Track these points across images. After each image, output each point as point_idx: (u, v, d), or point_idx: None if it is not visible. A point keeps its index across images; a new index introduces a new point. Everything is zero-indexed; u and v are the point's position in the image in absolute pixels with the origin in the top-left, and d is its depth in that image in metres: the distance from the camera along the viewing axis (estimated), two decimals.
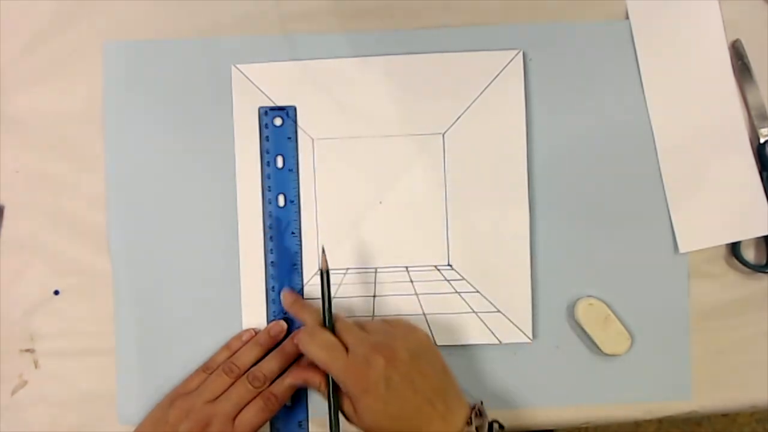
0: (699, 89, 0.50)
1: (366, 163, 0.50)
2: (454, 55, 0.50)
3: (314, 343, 0.44)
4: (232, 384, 0.46)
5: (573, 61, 0.50)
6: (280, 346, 0.48)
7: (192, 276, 0.50)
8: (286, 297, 0.49)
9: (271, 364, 0.47)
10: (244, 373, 0.46)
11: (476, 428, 0.41)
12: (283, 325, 0.49)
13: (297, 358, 0.48)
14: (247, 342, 0.48)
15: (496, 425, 0.43)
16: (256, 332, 0.49)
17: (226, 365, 0.47)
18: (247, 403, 0.46)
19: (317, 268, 0.50)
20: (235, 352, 0.48)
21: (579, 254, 0.50)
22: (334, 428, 0.44)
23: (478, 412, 0.42)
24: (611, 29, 0.50)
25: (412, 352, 0.43)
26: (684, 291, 0.50)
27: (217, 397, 0.45)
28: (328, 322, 0.45)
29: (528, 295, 0.49)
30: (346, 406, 0.43)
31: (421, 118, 0.50)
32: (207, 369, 0.48)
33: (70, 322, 0.50)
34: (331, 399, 0.44)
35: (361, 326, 0.45)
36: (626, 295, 0.50)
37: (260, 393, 0.46)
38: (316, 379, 0.45)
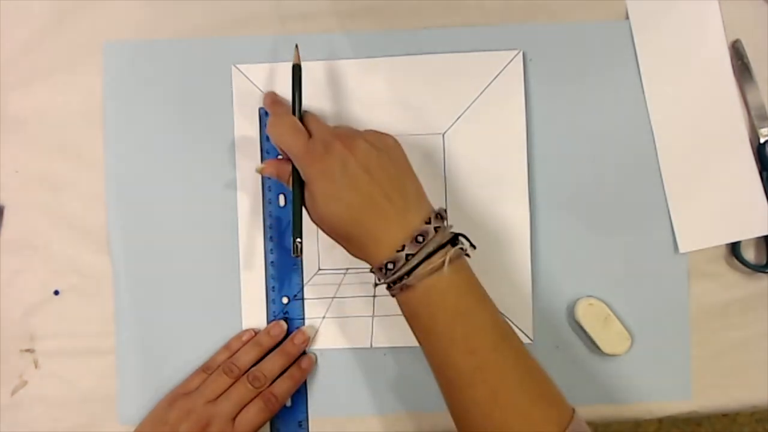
0: (699, 89, 0.50)
1: None
2: (454, 55, 0.50)
3: (280, 125, 0.43)
4: (232, 384, 0.46)
5: (573, 61, 0.50)
6: (281, 347, 0.48)
7: (192, 276, 0.50)
8: (266, 97, 0.48)
9: (271, 364, 0.47)
10: (244, 374, 0.47)
11: (435, 228, 0.39)
12: (283, 325, 0.49)
13: (297, 358, 0.48)
14: (247, 342, 0.48)
15: (462, 238, 0.40)
16: (256, 332, 0.49)
17: (226, 365, 0.47)
18: (248, 404, 0.46)
19: (317, 268, 0.50)
20: (235, 352, 0.48)
21: (579, 254, 0.50)
22: (296, 219, 0.42)
23: (440, 215, 0.40)
24: (611, 29, 0.50)
25: (373, 145, 0.41)
26: (684, 291, 0.50)
27: (218, 397, 0.45)
28: (297, 112, 0.45)
29: (528, 295, 0.49)
30: (305, 195, 0.42)
31: (421, 118, 0.50)
32: (207, 369, 0.48)
33: (70, 322, 0.50)
34: (296, 188, 0.43)
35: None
36: (626, 295, 0.50)
37: (260, 393, 0.46)
38: (285, 170, 0.44)
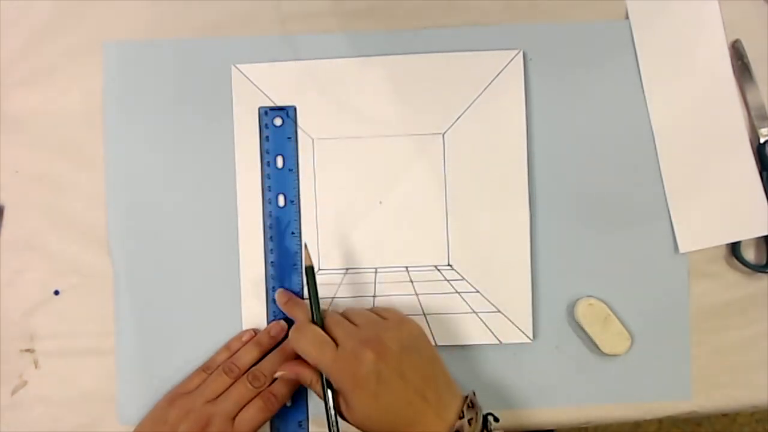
0: (699, 89, 0.50)
1: (366, 163, 0.50)
2: (454, 55, 0.50)
3: (303, 339, 0.44)
4: (232, 384, 0.46)
5: (573, 61, 0.50)
6: (280, 346, 0.48)
7: (192, 276, 0.50)
8: (280, 296, 0.49)
9: (270, 364, 0.47)
10: (244, 373, 0.46)
11: (468, 421, 0.41)
12: (283, 325, 0.49)
13: (297, 358, 0.48)
14: (247, 342, 0.48)
15: (490, 417, 0.42)
16: (256, 332, 0.49)
17: (226, 365, 0.47)
18: (247, 403, 0.46)
19: (317, 268, 0.50)
20: (235, 352, 0.48)
21: (579, 254, 0.50)
22: (333, 427, 0.44)
23: (470, 403, 0.42)
24: (611, 29, 0.50)
25: (402, 344, 0.42)
26: (684, 291, 0.50)
27: (217, 397, 0.45)
28: (317, 317, 0.45)
29: (528, 295, 0.49)
30: (339, 401, 0.43)
31: (421, 118, 0.50)
32: (207, 369, 0.48)
33: (70, 322, 0.50)
34: (327, 396, 0.44)
35: (350, 319, 0.45)
36: (626, 295, 0.50)
37: (260, 393, 0.46)
38: (307, 374, 0.45)
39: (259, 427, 0.46)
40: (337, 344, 0.43)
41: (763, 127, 0.49)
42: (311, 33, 0.50)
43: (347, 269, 0.50)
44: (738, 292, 0.50)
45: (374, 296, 0.50)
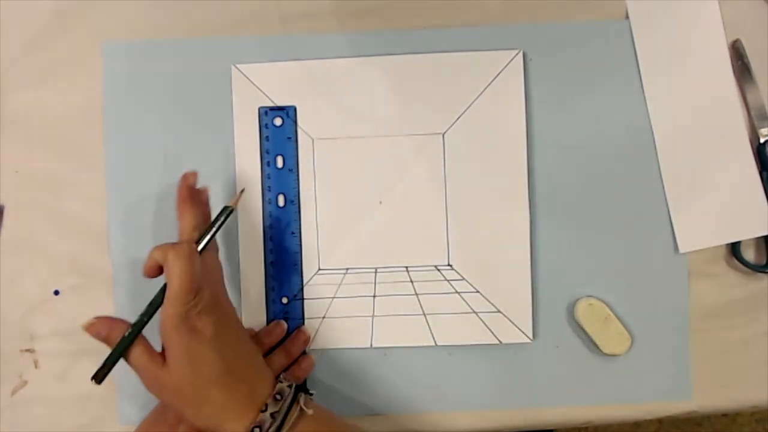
0: (699, 89, 0.50)
1: (366, 163, 0.50)
2: (454, 55, 0.50)
3: (182, 261, 0.40)
4: None
5: (573, 61, 0.50)
6: (281, 347, 0.48)
7: None
8: (182, 187, 0.45)
9: (271, 364, 0.47)
10: None
11: (288, 386, 0.41)
12: (284, 325, 0.49)
13: (297, 359, 0.48)
14: None
15: (302, 396, 0.41)
16: (257, 332, 0.49)
17: None
18: None
19: (317, 268, 0.50)
20: None
21: (579, 254, 0.50)
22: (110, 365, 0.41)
23: (277, 378, 0.41)
24: (611, 29, 0.50)
25: (234, 318, 0.43)
26: (684, 291, 0.50)
27: None
28: (203, 246, 0.42)
29: (528, 295, 0.49)
30: (165, 353, 0.40)
31: (421, 118, 0.50)
32: None
33: (70, 322, 0.50)
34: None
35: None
36: (626, 295, 0.50)
37: None
38: (117, 333, 0.41)
39: None
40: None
41: (763, 127, 0.49)
42: (311, 33, 0.50)
43: (347, 269, 0.50)
44: (738, 292, 0.50)
45: (374, 296, 0.50)
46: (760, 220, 0.49)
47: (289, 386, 0.41)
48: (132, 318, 0.50)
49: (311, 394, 0.43)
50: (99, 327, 0.42)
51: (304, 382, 0.49)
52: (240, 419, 0.39)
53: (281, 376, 0.42)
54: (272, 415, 0.39)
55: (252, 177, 0.50)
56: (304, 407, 0.40)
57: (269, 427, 0.39)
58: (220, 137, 0.50)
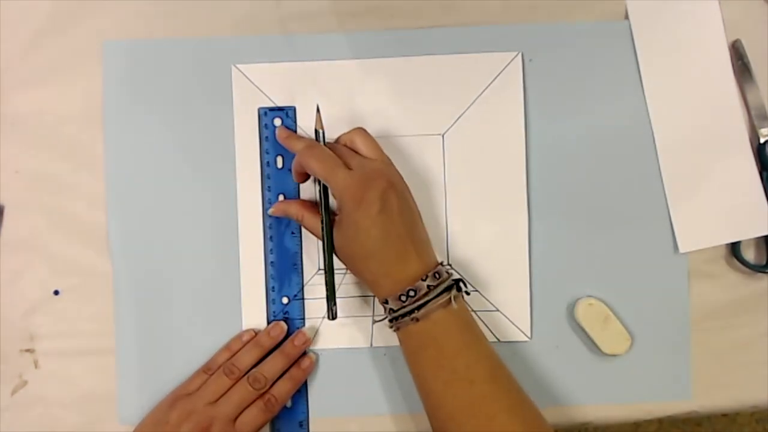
0: (699, 89, 0.50)
1: None
2: (454, 56, 0.50)
3: (314, 157, 0.44)
4: (233, 386, 0.46)
5: (573, 62, 0.50)
6: (281, 348, 0.48)
7: (192, 276, 0.50)
8: (280, 132, 0.49)
9: (271, 365, 0.47)
10: (244, 375, 0.47)
11: (446, 272, 0.43)
12: (283, 326, 0.49)
13: (297, 359, 0.48)
14: (247, 342, 0.48)
15: (461, 284, 0.44)
16: (257, 332, 0.49)
17: (226, 367, 0.47)
18: (248, 405, 0.46)
19: (317, 268, 0.50)
20: (236, 352, 0.48)
21: (579, 254, 0.50)
22: (328, 250, 0.45)
23: (441, 263, 0.44)
24: (611, 29, 0.50)
25: (403, 186, 0.45)
26: (684, 291, 0.50)
27: (218, 399, 0.45)
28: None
29: (527, 294, 0.49)
30: (334, 225, 0.45)
31: (421, 119, 0.50)
32: (208, 370, 0.48)
33: (70, 322, 0.50)
34: (324, 216, 0.45)
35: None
36: (626, 295, 0.50)
37: (261, 395, 0.46)
38: (293, 208, 0.47)
39: (260, 428, 0.46)
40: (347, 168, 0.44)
41: (763, 127, 0.49)
42: (311, 33, 0.50)
43: (347, 269, 0.50)
44: (738, 292, 0.50)
45: (374, 296, 0.50)
46: (760, 220, 0.49)
47: (449, 274, 0.43)
48: (132, 317, 0.50)
49: (467, 293, 0.44)
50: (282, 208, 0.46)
51: (305, 386, 0.49)
52: (396, 283, 0.42)
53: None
54: (428, 286, 0.42)
55: (252, 177, 0.50)
56: (453, 300, 0.42)
57: (423, 295, 0.41)
58: (220, 137, 0.50)
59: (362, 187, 0.42)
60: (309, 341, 0.49)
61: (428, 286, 0.42)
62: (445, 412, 0.41)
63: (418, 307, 0.41)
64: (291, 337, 0.49)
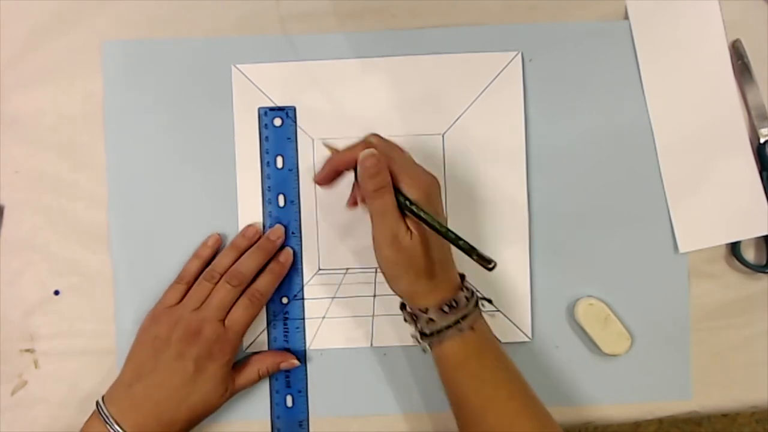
0: (699, 89, 0.50)
1: None
2: (454, 56, 0.50)
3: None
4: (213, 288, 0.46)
5: (573, 62, 0.50)
6: (256, 244, 0.48)
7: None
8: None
9: (248, 261, 0.47)
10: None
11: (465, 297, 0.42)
12: (258, 227, 0.49)
13: (275, 254, 0.48)
14: (212, 246, 0.48)
15: (479, 294, 0.44)
16: (220, 235, 0.49)
17: (206, 273, 0.47)
18: (234, 304, 0.46)
19: (317, 268, 0.50)
20: (207, 259, 0.48)
21: (579, 254, 0.50)
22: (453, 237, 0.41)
23: (463, 276, 0.44)
24: (611, 29, 0.50)
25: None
26: (684, 291, 0.50)
27: (202, 304, 0.46)
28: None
29: (527, 294, 0.49)
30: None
31: (421, 118, 0.50)
32: (181, 280, 0.48)
33: (70, 322, 0.50)
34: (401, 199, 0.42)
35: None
36: (626, 295, 0.50)
37: (244, 291, 0.46)
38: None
39: (250, 323, 0.46)
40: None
41: (763, 127, 0.49)
42: (311, 33, 0.50)
43: (347, 269, 0.50)
44: (738, 292, 0.50)
45: (374, 296, 0.50)
46: (760, 220, 0.49)
47: (471, 293, 0.43)
48: (132, 317, 0.50)
49: (489, 301, 0.45)
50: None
51: (305, 386, 0.49)
52: (434, 296, 0.41)
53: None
54: (466, 297, 0.42)
55: (252, 177, 0.50)
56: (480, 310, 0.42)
57: (466, 303, 0.41)
58: (220, 137, 0.50)
59: (431, 182, 0.43)
60: (283, 236, 0.49)
61: (466, 297, 0.42)
62: (484, 430, 0.41)
63: (463, 317, 0.41)
64: (266, 233, 0.49)
